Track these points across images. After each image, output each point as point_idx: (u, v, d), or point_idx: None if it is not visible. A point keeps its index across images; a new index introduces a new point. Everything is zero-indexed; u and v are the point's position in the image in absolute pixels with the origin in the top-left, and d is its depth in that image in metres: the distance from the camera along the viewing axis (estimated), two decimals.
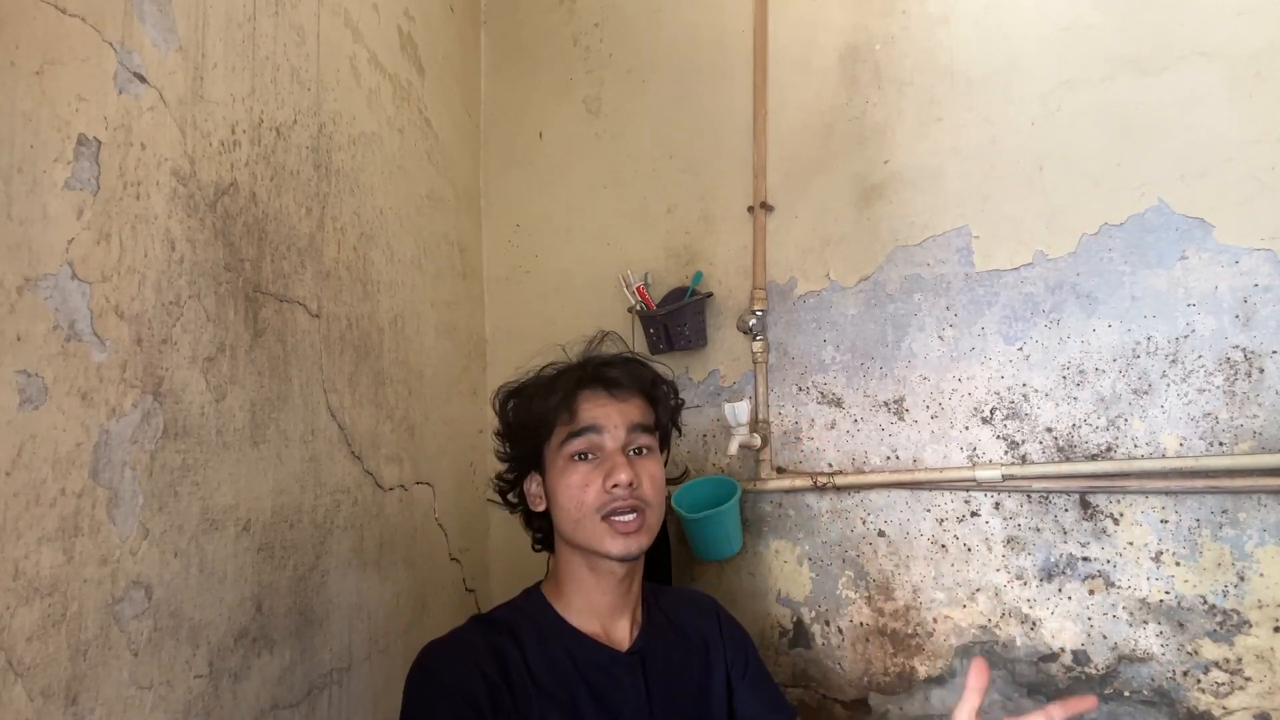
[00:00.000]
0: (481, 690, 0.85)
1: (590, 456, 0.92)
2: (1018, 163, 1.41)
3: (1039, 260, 1.39)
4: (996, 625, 1.40)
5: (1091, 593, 1.34)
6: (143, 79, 0.84)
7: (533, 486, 0.99)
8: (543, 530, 1.01)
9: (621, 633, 0.97)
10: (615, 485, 0.89)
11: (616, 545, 0.90)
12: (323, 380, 1.17)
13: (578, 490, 0.91)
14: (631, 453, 0.93)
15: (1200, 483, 1.26)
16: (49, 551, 0.72)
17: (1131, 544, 1.32)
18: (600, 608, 0.96)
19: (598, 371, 0.96)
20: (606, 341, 1.04)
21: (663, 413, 1.00)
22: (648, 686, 0.94)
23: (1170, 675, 1.30)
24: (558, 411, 0.93)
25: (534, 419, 0.95)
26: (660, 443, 0.99)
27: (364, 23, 1.33)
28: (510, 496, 1.02)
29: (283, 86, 1.10)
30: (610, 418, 0.93)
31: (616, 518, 0.90)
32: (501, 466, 1.02)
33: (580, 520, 0.91)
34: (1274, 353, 1.25)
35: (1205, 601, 1.28)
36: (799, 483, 1.50)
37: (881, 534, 1.48)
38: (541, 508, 0.98)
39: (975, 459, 1.42)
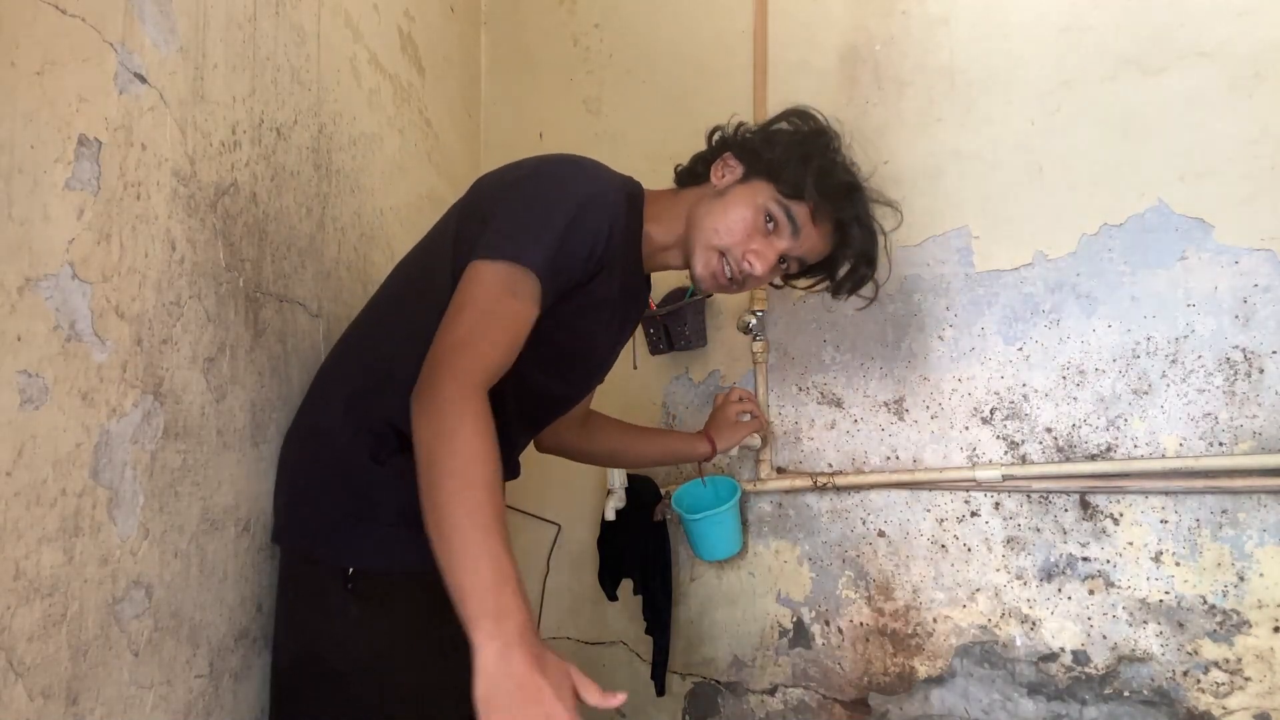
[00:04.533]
0: (597, 250, 0.90)
1: (769, 225, 1.00)
2: (1018, 163, 1.41)
3: (1039, 260, 1.39)
4: (996, 625, 1.40)
5: (1091, 593, 1.34)
6: (143, 79, 0.84)
7: (727, 166, 1.05)
8: (698, 171, 1.09)
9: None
10: (747, 269, 0.99)
11: (702, 279, 1.02)
12: None
13: (739, 227, 0.99)
14: (779, 262, 1.02)
15: (1200, 483, 1.26)
16: (49, 552, 0.72)
17: (1131, 544, 1.32)
18: (655, 261, 1.07)
19: (854, 218, 1.03)
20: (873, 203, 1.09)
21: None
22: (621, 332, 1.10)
23: (1170, 675, 1.30)
24: (804, 185, 0.99)
25: (790, 161, 1.00)
26: None
27: (364, 23, 1.33)
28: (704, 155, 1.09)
29: (283, 87, 1.10)
30: (806, 244, 1.02)
31: (723, 276, 1.01)
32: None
33: (712, 236, 1.00)
34: (1274, 353, 1.25)
35: (1205, 601, 1.28)
36: (799, 483, 1.50)
37: (881, 534, 1.48)
38: (716, 180, 1.04)
39: (975, 459, 1.42)
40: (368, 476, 0.90)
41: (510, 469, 1.05)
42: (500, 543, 0.72)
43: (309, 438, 0.98)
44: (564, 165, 0.94)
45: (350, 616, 0.89)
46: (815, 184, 0.99)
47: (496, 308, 0.81)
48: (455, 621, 0.71)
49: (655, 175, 1.68)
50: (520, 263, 0.82)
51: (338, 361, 1.03)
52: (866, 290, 1.09)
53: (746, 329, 1.53)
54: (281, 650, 0.96)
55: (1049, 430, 1.37)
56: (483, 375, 0.79)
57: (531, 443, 1.19)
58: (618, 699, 0.72)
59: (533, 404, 1.01)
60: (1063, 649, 1.36)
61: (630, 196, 0.99)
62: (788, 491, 1.53)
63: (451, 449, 0.74)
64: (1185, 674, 1.29)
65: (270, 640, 1.03)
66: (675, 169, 1.15)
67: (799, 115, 1.09)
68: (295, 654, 0.94)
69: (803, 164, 1.00)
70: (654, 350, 1.63)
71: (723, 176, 1.04)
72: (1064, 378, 1.37)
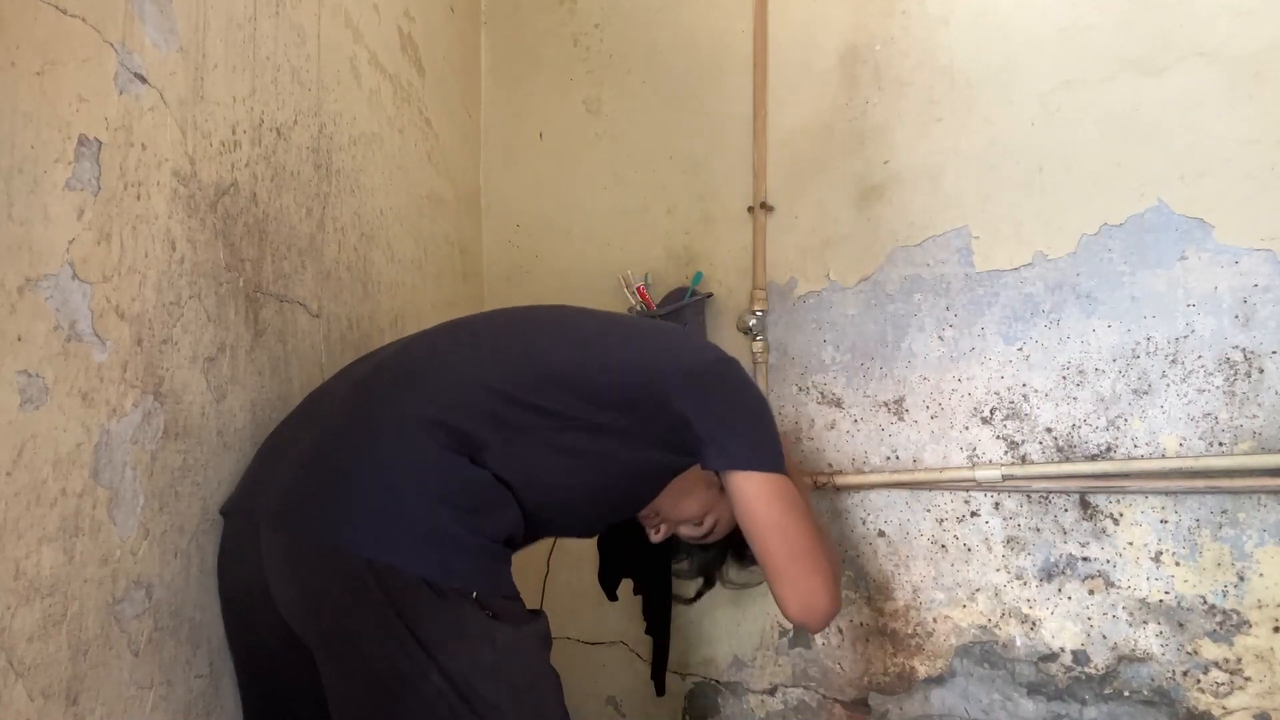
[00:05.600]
0: None
1: (698, 525, 1.20)
2: (1018, 163, 1.41)
3: (1039, 260, 1.39)
4: (996, 625, 1.40)
5: (1091, 593, 1.34)
6: (143, 79, 0.85)
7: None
8: None
9: None
10: (655, 532, 1.20)
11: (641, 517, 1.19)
12: (323, 380, 1.17)
13: (683, 515, 1.17)
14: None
15: (1200, 483, 1.26)
16: (50, 551, 0.72)
17: (1131, 544, 1.32)
18: None
19: None
20: None
21: None
22: None
23: (1170, 675, 1.30)
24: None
25: None
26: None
27: (364, 23, 1.33)
28: None
29: (283, 87, 1.10)
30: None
31: (648, 523, 1.19)
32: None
33: (663, 504, 1.14)
34: (1274, 353, 1.25)
35: (1205, 601, 1.28)
36: None
37: (881, 534, 1.48)
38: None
39: (975, 459, 1.42)
40: (484, 506, 0.89)
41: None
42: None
43: (417, 465, 0.88)
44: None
45: (500, 644, 0.85)
46: None
47: (801, 508, 1.03)
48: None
49: (655, 175, 1.69)
50: (782, 472, 1.02)
51: (438, 395, 0.93)
52: None
53: (746, 329, 1.53)
54: (422, 677, 0.83)
55: (1049, 430, 1.37)
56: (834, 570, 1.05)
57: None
58: None
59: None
60: (1063, 649, 1.36)
61: None
62: None
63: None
64: (1185, 674, 1.29)
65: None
66: None
67: None
68: (448, 682, 0.83)
69: None
70: None
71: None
72: (1064, 378, 1.37)
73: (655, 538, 1.17)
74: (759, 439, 1.01)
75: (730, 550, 1.25)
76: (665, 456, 1.02)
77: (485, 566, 0.87)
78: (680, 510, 1.13)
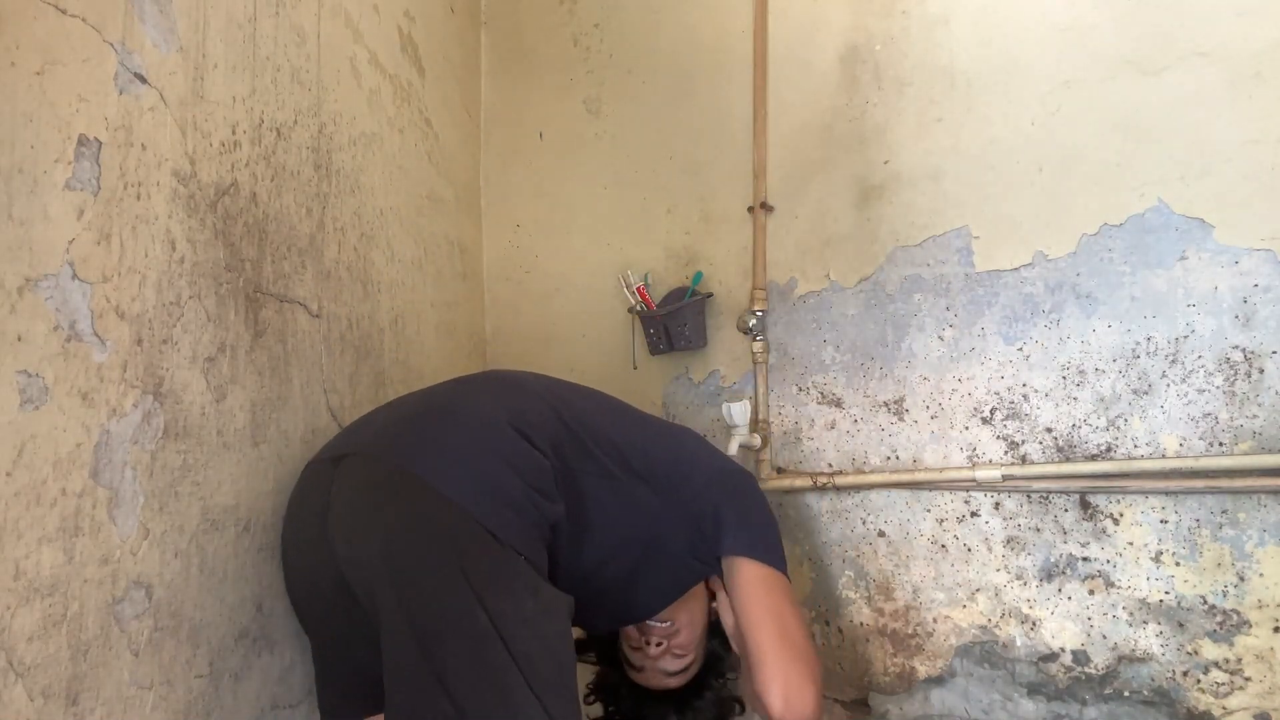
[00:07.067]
0: None
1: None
2: (1018, 163, 1.41)
3: (1039, 260, 1.39)
4: (996, 625, 1.40)
5: (1091, 593, 1.34)
6: (143, 79, 0.85)
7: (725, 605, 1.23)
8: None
9: None
10: (655, 638, 1.21)
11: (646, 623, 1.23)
12: (323, 380, 1.17)
13: (676, 636, 1.22)
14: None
15: (1200, 483, 1.26)
16: (49, 552, 0.72)
17: (1131, 544, 1.32)
18: None
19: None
20: None
21: None
22: None
23: (1170, 675, 1.30)
24: None
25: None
26: None
27: (364, 23, 1.33)
28: None
29: (283, 87, 1.10)
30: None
31: (641, 635, 1.22)
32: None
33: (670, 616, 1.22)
34: (1274, 353, 1.25)
35: (1205, 601, 1.28)
36: (799, 483, 1.50)
37: (881, 534, 1.48)
38: (717, 588, 1.22)
39: (975, 459, 1.42)
40: (544, 489, 0.98)
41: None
42: None
43: (497, 434, 1.00)
44: None
45: (543, 600, 0.90)
46: None
47: (800, 610, 1.14)
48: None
49: (655, 175, 1.69)
50: (787, 577, 1.12)
51: (521, 405, 1.06)
52: None
53: (746, 329, 1.53)
54: (470, 614, 0.85)
55: (1049, 430, 1.37)
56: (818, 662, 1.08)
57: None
58: None
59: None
60: (1063, 649, 1.36)
61: None
62: (788, 491, 1.53)
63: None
64: (1185, 674, 1.29)
65: (270, 640, 1.03)
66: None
67: None
68: (492, 623, 0.86)
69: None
70: (654, 350, 1.63)
71: (713, 599, 1.23)
72: (1064, 378, 1.37)
73: (654, 651, 1.19)
74: (774, 540, 1.12)
75: None
76: (679, 544, 1.11)
77: (534, 538, 0.93)
78: (688, 619, 1.19)
